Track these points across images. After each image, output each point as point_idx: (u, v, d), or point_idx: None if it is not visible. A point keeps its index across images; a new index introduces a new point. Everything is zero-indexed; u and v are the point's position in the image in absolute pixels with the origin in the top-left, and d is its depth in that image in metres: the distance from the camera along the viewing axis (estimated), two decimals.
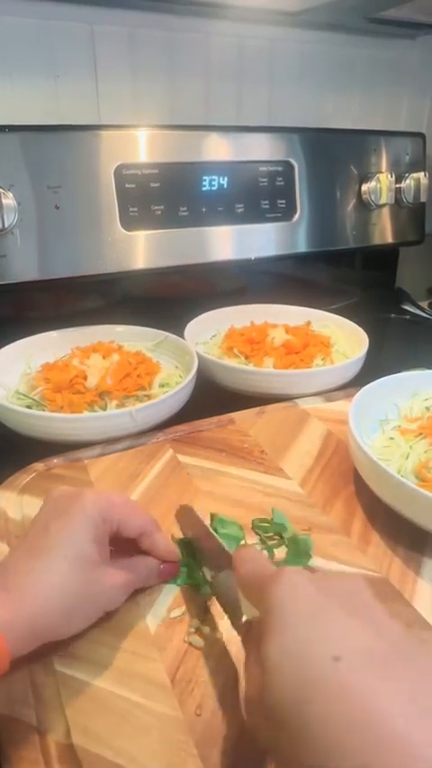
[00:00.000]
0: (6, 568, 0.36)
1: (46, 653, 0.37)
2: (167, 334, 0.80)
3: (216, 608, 0.41)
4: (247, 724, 0.28)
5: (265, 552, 0.46)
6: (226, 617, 0.37)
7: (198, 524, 0.44)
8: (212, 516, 0.49)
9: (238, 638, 0.39)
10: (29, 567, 0.35)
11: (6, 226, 0.71)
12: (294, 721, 0.23)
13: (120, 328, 0.83)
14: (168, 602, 0.42)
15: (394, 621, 0.27)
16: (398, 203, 1.04)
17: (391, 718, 0.22)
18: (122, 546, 0.41)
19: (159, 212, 0.82)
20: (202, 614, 0.41)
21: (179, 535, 0.47)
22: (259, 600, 0.29)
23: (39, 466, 0.57)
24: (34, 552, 0.36)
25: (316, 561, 0.46)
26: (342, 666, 0.24)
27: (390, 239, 1.06)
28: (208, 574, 0.42)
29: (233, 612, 0.36)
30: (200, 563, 0.44)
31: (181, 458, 0.59)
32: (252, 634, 0.31)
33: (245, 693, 0.28)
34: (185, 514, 0.47)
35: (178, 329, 0.81)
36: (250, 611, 0.33)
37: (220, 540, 0.40)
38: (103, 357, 0.72)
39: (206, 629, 0.40)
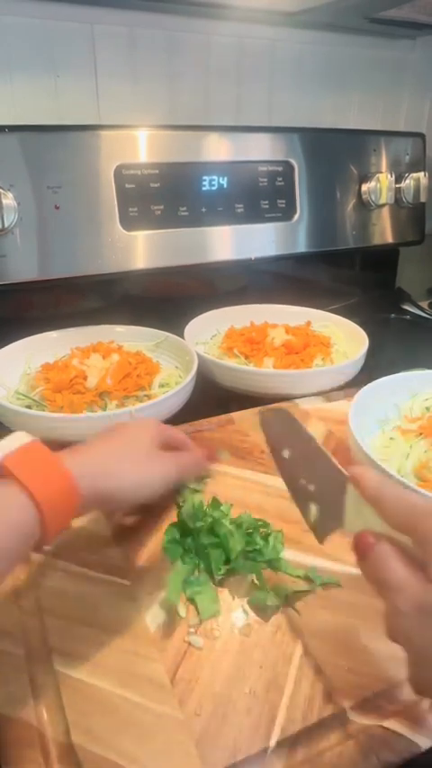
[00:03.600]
0: (88, 442, 0.45)
1: (47, 652, 0.37)
2: (167, 334, 0.80)
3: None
4: (394, 637, 0.30)
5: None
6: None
7: (298, 429, 0.44)
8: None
9: (238, 638, 0.39)
10: (107, 445, 0.45)
11: (6, 226, 0.71)
12: None
13: (120, 328, 0.83)
14: (168, 600, 0.42)
15: None
16: (398, 203, 1.04)
17: None
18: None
19: (159, 212, 0.82)
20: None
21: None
22: (414, 528, 0.31)
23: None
24: (111, 438, 0.46)
25: (316, 562, 0.46)
26: None
27: (390, 239, 1.06)
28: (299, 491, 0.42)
29: (323, 519, 0.37)
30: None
31: None
32: (384, 546, 0.32)
33: (400, 603, 0.29)
34: (280, 420, 0.47)
35: (178, 329, 0.81)
36: (360, 524, 0.33)
37: (333, 459, 0.41)
38: (103, 357, 0.72)
39: (206, 629, 0.40)
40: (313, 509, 0.38)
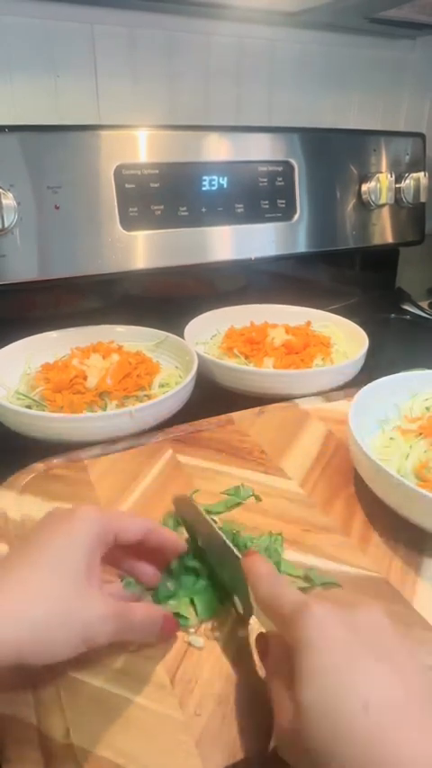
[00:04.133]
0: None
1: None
2: (167, 334, 0.80)
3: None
4: (279, 751, 0.29)
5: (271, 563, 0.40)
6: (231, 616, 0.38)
7: (199, 518, 0.43)
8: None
9: (238, 638, 0.39)
10: (16, 575, 0.32)
11: (6, 226, 0.71)
12: (328, 762, 0.25)
13: (120, 328, 0.83)
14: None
15: (416, 662, 0.29)
16: (398, 203, 1.04)
17: (425, 763, 0.24)
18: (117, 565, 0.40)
19: (159, 212, 0.82)
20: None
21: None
22: (284, 629, 0.31)
23: (39, 466, 0.57)
24: (24, 560, 0.33)
25: (316, 561, 0.46)
26: (371, 715, 0.25)
27: (390, 239, 1.06)
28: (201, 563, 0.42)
29: (245, 608, 0.37)
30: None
31: (181, 458, 0.59)
32: (270, 657, 0.32)
33: (277, 722, 0.29)
34: (184, 505, 0.47)
35: (178, 329, 0.81)
36: (262, 618, 0.34)
37: (225, 539, 0.40)
38: (103, 357, 0.72)
39: (207, 629, 0.40)
40: (236, 600, 0.39)
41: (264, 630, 0.35)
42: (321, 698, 0.26)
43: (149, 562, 0.41)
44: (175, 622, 0.39)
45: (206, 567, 0.43)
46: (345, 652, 0.28)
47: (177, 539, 0.41)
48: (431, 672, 0.28)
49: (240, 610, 0.38)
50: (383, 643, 0.29)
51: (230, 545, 0.39)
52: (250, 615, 0.37)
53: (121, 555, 0.39)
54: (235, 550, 0.39)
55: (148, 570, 0.41)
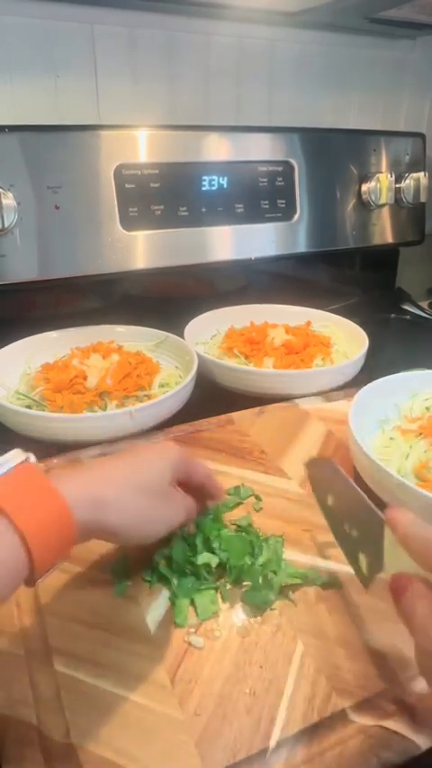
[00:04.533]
0: (95, 465, 0.41)
1: (47, 652, 0.37)
2: (167, 334, 0.80)
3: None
4: (424, 673, 0.31)
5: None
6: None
7: (339, 475, 0.44)
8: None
9: (237, 638, 0.39)
10: (115, 469, 0.39)
11: (6, 226, 0.71)
12: None
13: (120, 328, 0.83)
14: (168, 602, 0.42)
15: None
16: (398, 203, 1.04)
17: None
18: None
19: (159, 212, 0.82)
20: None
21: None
22: None
23: (39, 466, 0.57)
24: (121, 461, 0.41)
25: (316, 562, 0.46)
26: None
27: (390, 239, 1.06)
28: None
29: (369, 564, 0.38)
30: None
31: None
32: (415, 587, 0.32)
33: (426, 643, 0.30)
34: (321, 465, 0.48)
35: (178, 329, 0.81)
36: (398, 566, 0.34)
37: (370, 503, 0.41)
38: (103, 357, 0.72)
39: (206, 629, 0.40)
40: (362, 558, 0.39)
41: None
42: None
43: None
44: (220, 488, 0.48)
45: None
46: None
47: (222, 490, 0.48)
48: None
49: (365, 570, 0.39)
50: None
51: (369, 502, 0.40)
52: (379, 571, 0.37)
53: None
54: (372, 506, 0.39)
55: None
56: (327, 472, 0.46)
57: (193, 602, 0.42)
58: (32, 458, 0.36)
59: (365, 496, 0.40)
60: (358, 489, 0.41)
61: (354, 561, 0.40)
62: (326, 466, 0.47)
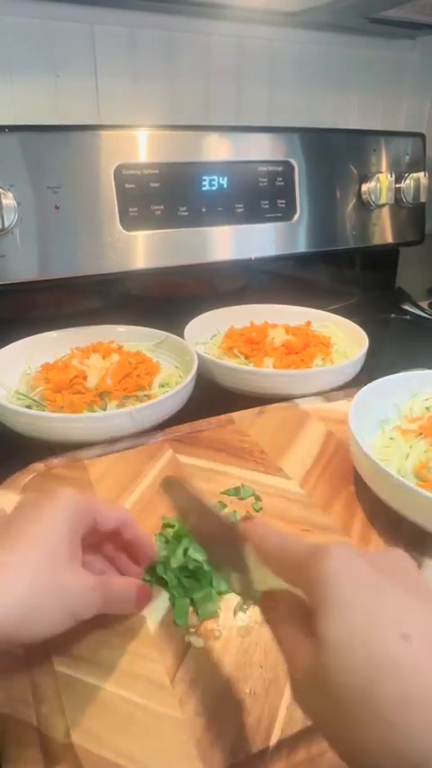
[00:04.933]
0: None
1: (46, 653, 0.37)
2: (167, 334, 0.80)
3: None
4: (297, 702, 0.27)
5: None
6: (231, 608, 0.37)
7: (192, 497, 0.41)
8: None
9: (238, 638, 0.39)
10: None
11: (6, 226, 0.71)
12: (362, 701, 0.23)
13: (120, 328, 0.83)
14: (168, 602, 0.42)
15: None
16: (398, 203, 1.04)
17: None
18: (95, 550, 0.40)
19: (159, 212, 0.82)
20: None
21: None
22: (299, 575, 0.28)
23: (39, 466, 0.57)
24: (8, 537, 0.33)
25: None
26: (413, 645, 0.23)
27: (390, 239, 1.06)
28: (198, 554, 0.42)
29: (243, 585, 0.35)
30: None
31: (181, 458, 0.59)
32: (280, 608, 0.29)
33: (292, 672, 0.26)
34: (174, 487, 0.44)
35: (178, 329, 0.81)
36: (265, 584, 0.32)
37: (222, 513, 0.40)
38: (103, 357, 0.72)
39: (206, 629, 0.40)
40: (234, 576, 0.36)
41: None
42: (351, 632, 0.24)
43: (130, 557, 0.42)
44: (148, 592, 0.40)
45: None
46: (373, 586, 0.25)
47: (151, 540, 0.42)
48: None
49: (237, 589, 0.36)
50: (412, 580, 0.27)
51: (224, 515, 0.37)
52: (250, 588, 0.34)
53: (102, 541, 0.40)
54: (229, 519, 0.38)
55: (127, 562, 0.41)
56: (181, 492, 0.43)
57: (193, 602, 0.42)
58: None
59: (220, 513, 0.38)
60: (212, 507, 0.39)
61: (227, 580, 0.37)
62: (178, 486, 0.43)
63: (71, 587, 0.33)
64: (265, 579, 0.31)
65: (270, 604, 0.30)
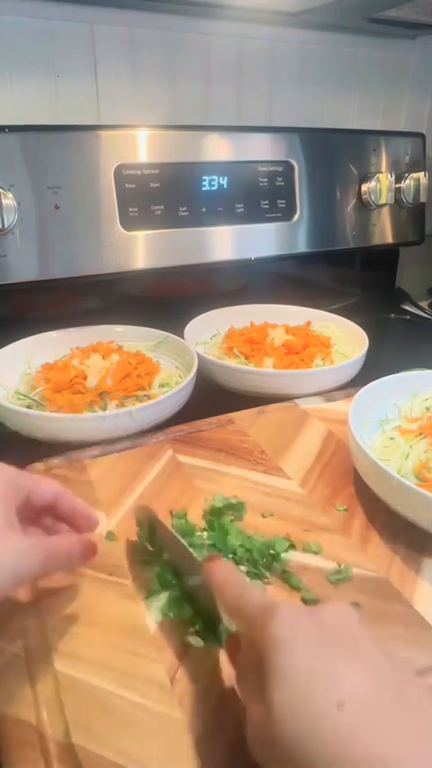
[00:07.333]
0: None
1: (46, 652, 0.37)
2: (167, 334, 0.80)
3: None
4: (252, 751, 0.28)
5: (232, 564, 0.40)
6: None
7: (161, 527, 0.43)
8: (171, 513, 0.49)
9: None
10: None
11: (6, 226, 0.71)
12: (303, 763, 0.25)
13: (120, 328, 0.83)
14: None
15: (387, 657, 0.28)
16: (398, 203, 1.04)
17: (397, 762, 0.23)
18: (34, 523, 0.41)
19: (159, 212, 0.82)
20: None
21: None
22: (253, 633, 0.30)
23: (39, 466, 0.57)
24: None
25: (316, 561, 0.46)
26: (346, 714, 0.25)
27: (390, 239, 1.06)
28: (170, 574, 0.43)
29: (209, 615, 0.36)
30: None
31: (181, 458, 0.59)
32: (241, 655, 0.31)
33: (248, 722, 0.28)
34: (144, 515, 0.46)
35: (178, 329, 0.81)
36: (231, 625, 0.33)
37: (187, 546, 0.40)
38: (103, 357, 0.72)
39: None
40: (205, 609, 0.37)
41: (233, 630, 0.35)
42: (293, 697, 0.26)
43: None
44: (94, 545, 0.40)
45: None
46: (315, 651, 0.27)
47: (90, 509, 0.42)
48: (401, 667, 0.28)
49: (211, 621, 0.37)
50: (353, 639, 0.28)
51: (191, 551, 0.39)
52: (219, 623, 0.36)
53: (40, 515, 0.41)
54: (194, 555, 0.39)
55: (69, 532, 0.42)
56: (153, 523, 0.44)
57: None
58: None
59: (188, 547, 0.39)
60: (181, 540, 0.40)
61: (197, 611, 0.39)
62: (149, 517, 0.44)
63: (12, 548, 0.35)
64: (230, 621, 0.33)
65: (233, 648, 0.32)
